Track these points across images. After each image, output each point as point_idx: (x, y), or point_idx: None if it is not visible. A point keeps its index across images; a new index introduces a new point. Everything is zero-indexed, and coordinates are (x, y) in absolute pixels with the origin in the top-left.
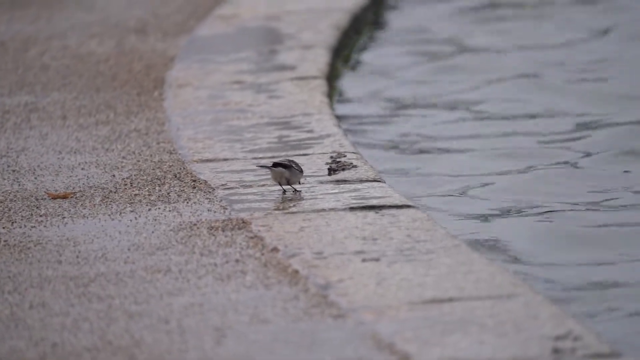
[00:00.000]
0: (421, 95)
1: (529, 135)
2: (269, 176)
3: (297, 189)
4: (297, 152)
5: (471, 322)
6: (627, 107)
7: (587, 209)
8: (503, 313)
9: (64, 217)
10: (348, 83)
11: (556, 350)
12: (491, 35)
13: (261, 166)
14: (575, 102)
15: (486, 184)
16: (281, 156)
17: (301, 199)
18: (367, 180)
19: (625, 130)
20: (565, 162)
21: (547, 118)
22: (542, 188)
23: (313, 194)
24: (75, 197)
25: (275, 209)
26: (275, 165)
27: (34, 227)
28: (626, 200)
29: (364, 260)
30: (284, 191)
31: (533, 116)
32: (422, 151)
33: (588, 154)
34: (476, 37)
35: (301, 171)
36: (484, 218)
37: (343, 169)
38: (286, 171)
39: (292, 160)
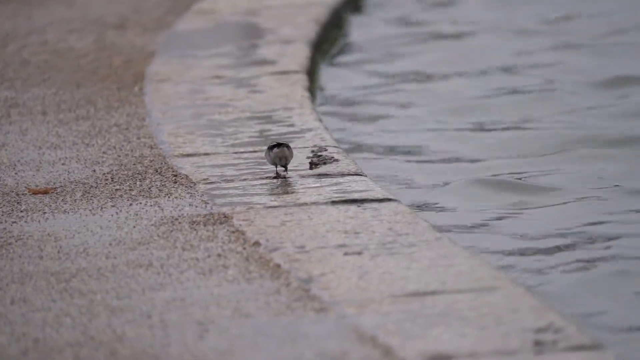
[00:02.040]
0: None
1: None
2: (251, 170)
3: (283, 173)
4: None
5: (453, 315)
6: None
7: None
8: (484, 306)
9: (45, 213)
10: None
11: (537, 343)
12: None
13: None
14: None
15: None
16: (263, 149)
17: (284, 191)
18: (348, 174)
19: None
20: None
21: None
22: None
23: (294, 187)
24: (56, 193)
25: (257, 203)
26: (279, 145)
27: (15, 222)
28: None
29: (346, 253)
30: (277, 174)
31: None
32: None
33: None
34: None
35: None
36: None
37: (324, 163)
38: (287, 150)
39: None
